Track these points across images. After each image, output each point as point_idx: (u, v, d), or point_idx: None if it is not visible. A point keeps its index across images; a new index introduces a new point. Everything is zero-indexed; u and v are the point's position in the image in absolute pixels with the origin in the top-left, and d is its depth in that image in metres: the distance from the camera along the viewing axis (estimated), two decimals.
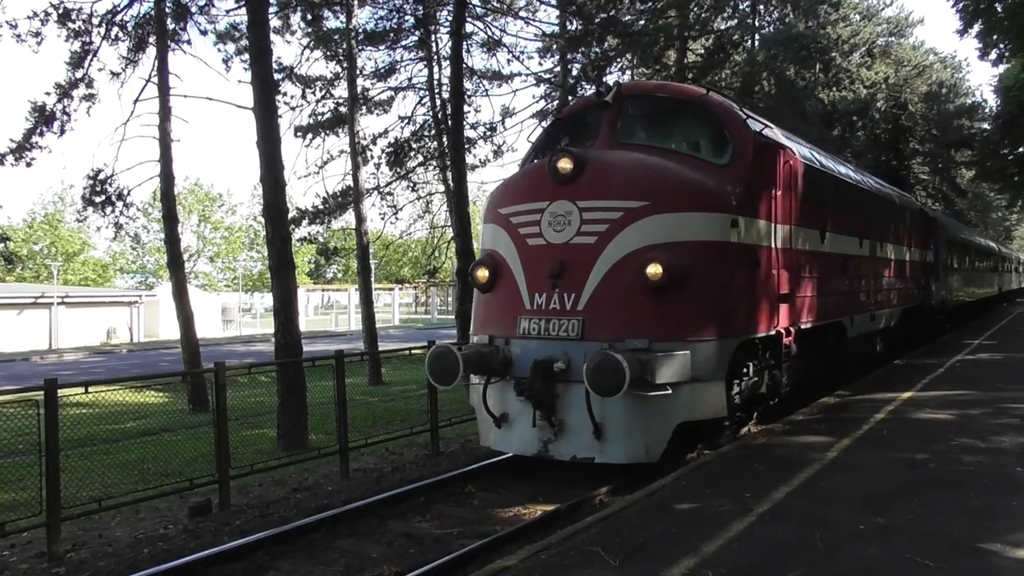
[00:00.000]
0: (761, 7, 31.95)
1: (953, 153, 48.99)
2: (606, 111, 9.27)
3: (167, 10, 18.72)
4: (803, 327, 10.32)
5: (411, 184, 28.52)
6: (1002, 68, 28.43)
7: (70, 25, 18.28)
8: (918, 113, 47.26)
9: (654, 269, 7.71)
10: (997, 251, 41.79)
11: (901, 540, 5.53)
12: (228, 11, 31.41)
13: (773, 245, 9.38)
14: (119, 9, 18.93)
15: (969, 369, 15.37)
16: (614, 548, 5.42)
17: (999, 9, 23.30)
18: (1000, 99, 29.85)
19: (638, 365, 7.23)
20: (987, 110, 42.58)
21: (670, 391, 7.48)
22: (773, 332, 9.30)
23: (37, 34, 17.96)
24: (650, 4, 28.40)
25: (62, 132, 18.68)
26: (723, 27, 30.87)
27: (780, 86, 30.29)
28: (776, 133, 10.34)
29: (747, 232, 8.74)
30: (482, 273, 8.82)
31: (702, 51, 32.25)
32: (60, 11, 18.06)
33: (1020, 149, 30.35)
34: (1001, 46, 25.16)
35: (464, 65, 22.09)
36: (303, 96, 25.22)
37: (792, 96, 29.86)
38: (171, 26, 19.01)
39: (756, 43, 30.80)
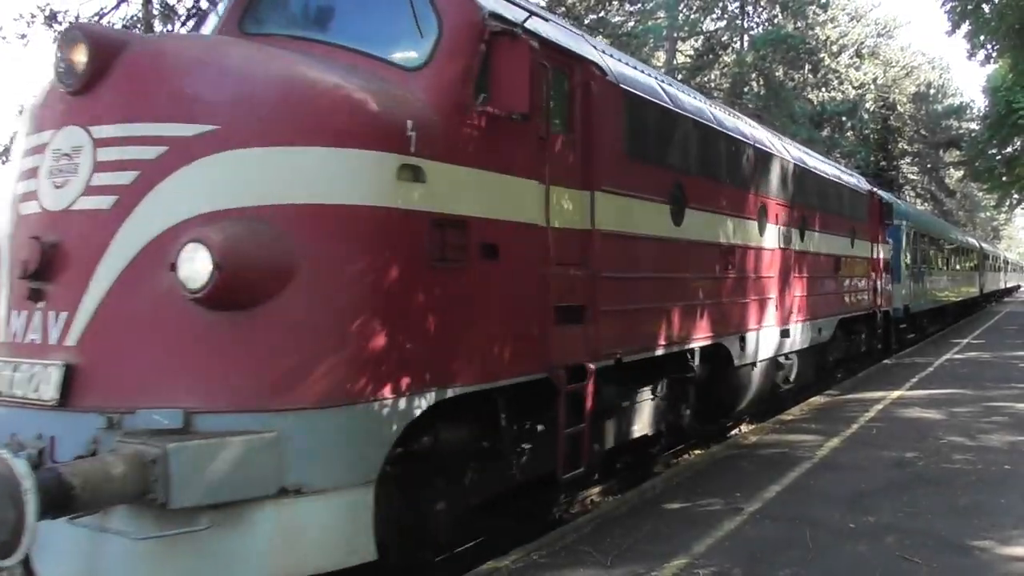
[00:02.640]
0: (750, 8, 32.10)
1: (942, 153, 49.31)
2: None
3: (154, 12, 18.68)
4: (627, 358, 6.55)
5: None
6: (990, 68, 28.61)
7: (56, 27, 18.21)
8: (907, 114, 47.52)
9: (194, 265, 3.90)
10: (978, 248, 39.53)
11: (890, 538, 5.56)
12: None
13: (546, 222, 5.64)
14: (106, 11, 18.88)
15: (958, 368, 15.46)
16: (606, 548, 5.44)
17: (986, 10, 23.43)
18: (988, 99, 30.02)
19: (101, 476, 3.49)
20: (975, 111, 42.83)
21: (208, 526, 3.84)
22: (544, 374, 5.60)
23: (23, 36, 17.90)
24: (640, 5, 28.50)
25: None
26: (712, 28, 30.99)
27: (769, 87, 30.41)
28: (557, 30, 6.30)
29: (457, 193, 4.92)
30: None
31: (691, 52, 32.38)
32: (47, 13, 17.99)
33: (1008, 149, 30.51)
34: (988, 47, 25.30)
35: None
36: None
37: (781, 97, 29.99)
38: (158, 28, 18.96)
39: (745, 44, 30.90)
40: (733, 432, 10.46)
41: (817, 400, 12.00)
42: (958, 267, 31.43)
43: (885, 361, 17.20)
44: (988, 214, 73.64)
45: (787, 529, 5.80)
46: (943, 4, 24.37)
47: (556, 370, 5.62)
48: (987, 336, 23.55)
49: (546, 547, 5.53)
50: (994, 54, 25.60)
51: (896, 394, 12.14)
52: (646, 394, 7.46)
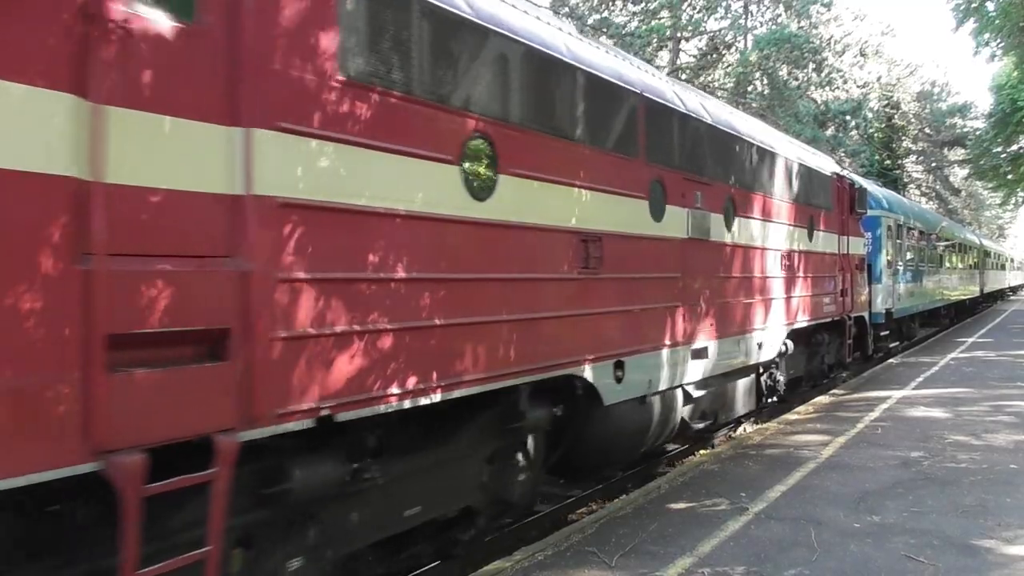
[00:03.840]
0: (753, 8, 32.03)
1: (946, 152, 49.15)
2: None
3: None
4: (342, 415, 4.07)
5: None
6: (995, 66, 28.54)
7: None
8: (911, 112, 47.39)
9: None
10: (979, 244, 36.89)
11: (895, 538, 5.57)
12: None
13: (85, 173, 2.99)
14: None
15: (963, 367, 15.43)
16: (610, 548, 5.45)
17: (990, 8, 23.38)
18: (993, 97, 29.94)
19: None
20: (978, 109, 42.71)
21: None
22: (88, 465, 2.98)
23: None
24: (643, 5, 28.49)
25: None
26: (716, 28, 30.96)
27: (773, 86, 30.35)
28: None
29: None
30: None
31: (695, 52, 32.34)
32: None
33: (1013, 147, 30.43)
34: (993, 45, 25.23)
35: None
36: None
37: (785, 96, 29.92)
38: None
39: (749, 44, 30.85)
40: (737, 432, 10.45)
41: (822, 400, 12.00)
42: (955, 265, 28.47)
43: (890, 360, 17.18)
44: (993, 212, 73.44)
45: (792, 529, 5.81)
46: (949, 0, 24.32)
47: (118, 456, 3.00)
48: (993, 335, 23.49)
49: (551, 547, 5.54)
50: (999, 52, 25.54)
51: (901, 393, 12.13)
52: (425, 460, 4.99)
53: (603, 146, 6.44)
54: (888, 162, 42.07)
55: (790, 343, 10.75)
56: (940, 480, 7.09)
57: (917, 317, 22.10)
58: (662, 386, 7.29)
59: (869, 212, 15.55)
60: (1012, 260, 58.88)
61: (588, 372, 6.11)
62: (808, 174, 11.54)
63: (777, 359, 10.45)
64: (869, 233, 15.96)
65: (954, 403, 11.13)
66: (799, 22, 30.82)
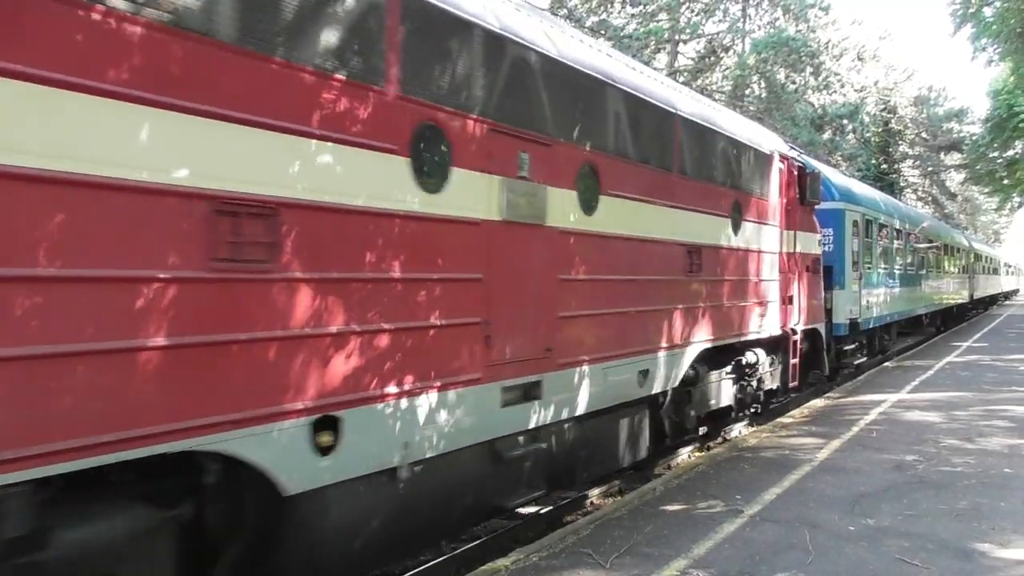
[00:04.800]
0: (751, 11, 32.11)
1: (943, 156, 49.27)
2: None
3: None
4: None
5: None
6: (993, 72, 28.66)
7: None
8: (908, 116, 47.51)
9: None
10: (967, 246, 34.04)
11: (889, 541, 5.58)
12: None
13: None
14: None
15: (958, 371, 15.46)
16: (605, 550, 5.45)
17: (988, 13, 23.46)
18: (990, 102, 30.04)
19: None
20: (974, 114, 42.84)
21: None
22: None
23: None
24: (641, 8, 28.55)
25: None
26: (714, 31, 31.02)
27: (771, 90, 30.45)
28: None
29: None
30: None
31: (693, 55, 32.41)
32: None
33: (1009, 152, 30.53)
34: (990, 49, 25.33)
35: None
36: None
37: (783, 100, 30.01)
38: None
39: (747, 47, 30.92)
40: (733, 434, 10.46)
41: (817, 403, 12.01)
42: (940, 268, 26.08)
43: (886, 364, 17.20)
44: (989, 217, 73.67)
45: (787, 531, 5.81)
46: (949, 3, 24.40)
47: None
48: (988, 339, 23.54)
49: (546, 548, 5.54)
50: (996, 57, 25.63)
51: (896, 397, 12.15)
52: None
53: (332, 66, 4.07)
54: (885, 166, 42.17)
55: (705, 367, 8.45)
56: (935, 484, 7.11)
57: (893, 327, 19.38)
58: (439, 446, 4.77)
59: (830, 204, 13.82)
60: (1005, 264, 58.04)
61: (237, 445, 3.61)
62: (734, 149, 8.85)
63: (682, 388, 8.09)
64: (830, 229, 13.81)
65: (949, 407, 11.15)
66: (797, 26, 30.91)
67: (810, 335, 11.59)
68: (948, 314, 28.57)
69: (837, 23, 34.85)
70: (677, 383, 7.82)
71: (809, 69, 30.15)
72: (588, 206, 6.28)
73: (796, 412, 11.18)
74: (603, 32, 25.48)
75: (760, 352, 9.72)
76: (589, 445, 6.68)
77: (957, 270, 30.19)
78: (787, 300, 10.39)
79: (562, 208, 5.98)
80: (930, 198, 54.02)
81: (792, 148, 11.73)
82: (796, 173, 10.99)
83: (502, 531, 6.58)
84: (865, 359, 16.45)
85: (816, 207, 11.92)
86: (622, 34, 26.58)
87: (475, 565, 5.51)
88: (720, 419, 9.77)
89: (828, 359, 12.94)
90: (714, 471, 7.79)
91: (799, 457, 8.21)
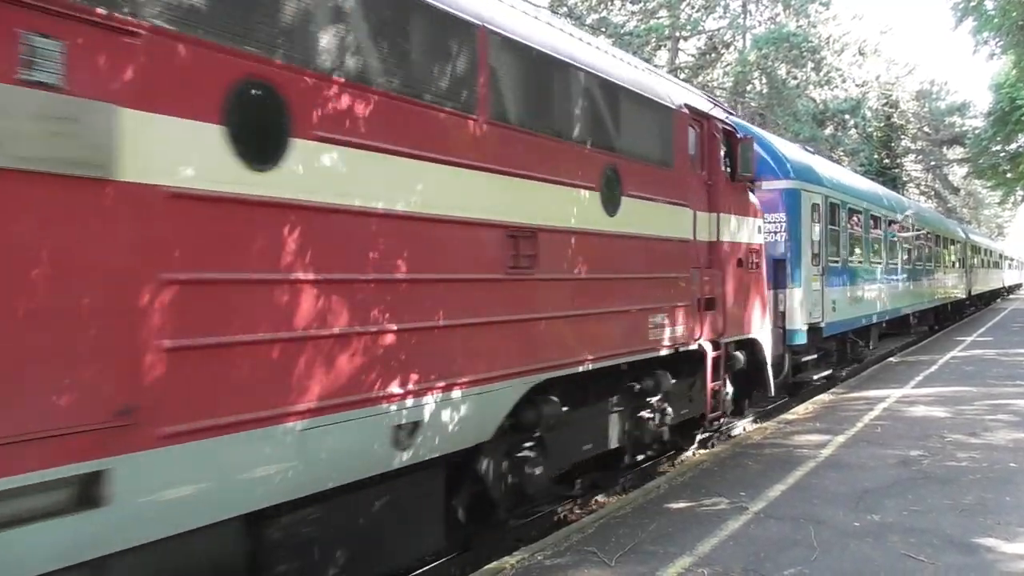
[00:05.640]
0: (752, 7, 32.07)
1: (945, 150, 49.20)
2: None
3: None
4: None
5: None
6: (996, 64, 28.58)
7: None
8: (910, 111, 47.42)
9: None
10: (964, 238, 31.64)
11: (895, 537, 5.57)
12: None
13: None
14: None
15: (962, 366, 15.43)
16: (610, 548, 5.45)
17: (989, 6, 23.39)
18: (992, 96, 29.98)
19: None
20: (976, 108, 42.75)
21: None
22: None
23: None
24: (641, 5, 28.51)
25: None
26: (714, 27, 30.99)
27: (772, 86, 30.39)
28: None
29: None
30: None
31: (694, 51, 32.37)
32: None
33: (1012, 145, 30.46)
34: (992, 43, 25.26)
35: None
36: None
37: (784, 95, 29.96)
38: None
39: (747, 43, 30.88)
40: (737, 431, 10.46)
41: (823, 398, 12.00)
42: (932, 261, 23.42)
43: (890, 359, 17.18)
44: (992, 211, 73.50)
45: (792, 528, 5.81)
46: None
47: None
48: (992, 334, 23.50)
49: (550, 547, 5.54)
50: (997, 50, 25.57)
51: (901, 392, 12.13)
52: None
53: None
54: (887, 161, 42.09)
55: (559, 402, 5.98)
56: (939, 479, 7.10)
57: (873, 330, 16.78)
58: None
59: (781, 183, 11.55)
60: (1007, 257, 56.62)
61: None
62: (606, 94, 6.50)
63: (515, 437, 5.80)
64: (782, 214, 11.48)
65: (954, 402, 11.13)
66: (798, 21, 30.87)
67: (745, 348, 9.18)
68: (943, 312, 26.25)
69: (838, 18, 34.85)
70: (491, 433, 5.29)
71: (810, 64, 30.08)
72: (256, 156, 3.74)
73: (800, 408, 11.17)
74: (603, 30, 25.46)
75: (664, 375, 7.47)
76: (314, 540, 4.21)
77: (952, 264, 27.99)
78: (704, 304, 7.95)
79: (212, 163, 3.57)
80: (933, 192, 53.92)
81: (717, 106, 9.09)
82: (721, 139, 8.60)
83: (506, 530, 6.59)
84: (828, 371, 13.53)
85: (764, 187, 10.42)
86: (622, 31, 26.55)
87: (480, 564, 5.52)
88: (614, 464, 7.69)
89: (784, 373, 11.19)
90: (718, 468, 7.78)
91: (803, 453, 8.20)
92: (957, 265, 29.18)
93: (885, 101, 43.07)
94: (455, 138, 4.99)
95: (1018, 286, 67.24)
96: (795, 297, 11.55)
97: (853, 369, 15.37)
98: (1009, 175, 32.23)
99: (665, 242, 7.32)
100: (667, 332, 7.32)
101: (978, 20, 23.96)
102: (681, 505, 6.52)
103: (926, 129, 48.00)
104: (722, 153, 8.62)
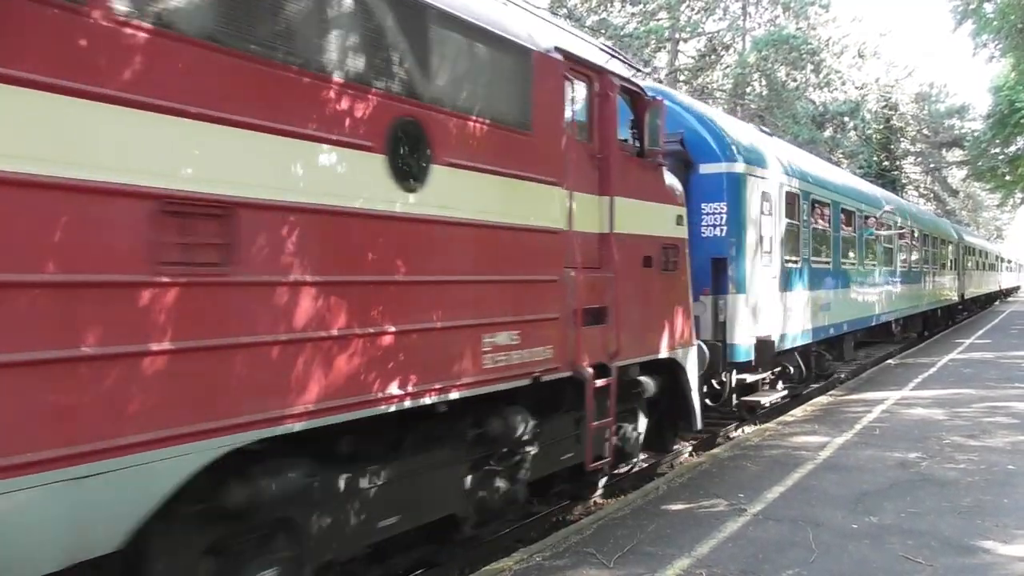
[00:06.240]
0: (751, 9, 32.09)
1: (944, 153, 49.22)
2: None
3: None
4: None
5: None
6: (995, 67, 28.60)
7: None
8: (909, 113, 47.45)
9: None
10: (956, 238, 29.45)
11: (893, 539, 5.58)
12: None
13: None
14: None
15: (961, 368, 15.44)
16: (608, 549, 5.45)
17: (988, 9, 23.43)
18: (991, 98, 30.01)
19: None
20: (975, 110, 42.78)
21: None
22: None
23: None
24: (641, 6, 28.54)
25: None
26: (714, 29, 31.01)
27: (771, 88, 30.41)
28: None
29: None
30: None
31: (694, 53, 32.39)
32: None
33: (1011, 148, 30.47)
34: (991, 46, 25.31)
35: None
36: None
37: (783, 97, 29.98)
38: None
39: (747, 45, 30.90)
40: (735, 433, 10.46)
41: (821, 401, 12.01)
42: (918, 262, 21.49)
43: (889, 361, 17.19)
44: (991, 214, 73.57)
45: (790, 530, 5.82)
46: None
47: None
48: (991, 336, 23.51)
49: (549, 548, 5.55)
50: (997, 53, 25.61)
51: (899, 394, 12.14)
52: None
53: None
54: (887, 163, 42.12)
55: (339, 466, 4.38)
56: (938, 481, 7.11)
57: (846, 339, 15.13)
58: None
59: (721, 166, 9.53)
60: (1004, 259, 55.67)
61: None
62: (408, 14, 4.59)
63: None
64: (722, 203, 9.46)
65: (952, 404, 11.14)
66: (797, 23, 30.88)
67: (656, 370, 7.42)
68: (932, 318, 24.59)
69: (837, 20, 34.76)
70: (118, 543, 3.11)
71: (810, 67, 30.10)
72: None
73: (799, 411, 11.17)
74: (603, 31, 25.47)
75: (519, 414, 5.61)
76: None
77: (943, 265, 26.00)
78: (586, 317, 6.10)
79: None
80: (932, 195, 53.96)
81: (615, 58, 7.17)
82: (621, 102, 6.84)
83: (505, 531, 6.59)
84: (786, 392, 11.54)
85: (703, 171, 9.20)
86: (622, 33, 26.57)
87: (479, 565, 5.52)
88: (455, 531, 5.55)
89: (723, 398, 9.67)
90: (717, 470, 7.79)
91: (802, 455, 8.21)
92: (949, 267, 27.51)
93: (884, 103, 43.09)
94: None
95: (1016, 289, 67.01)
96: (737, 304, 9.49)
97: (852, 371, 15.34)
98: (1008, 177, 32.24)
99: (515, 231, 5.41)
100: (517, 356, 5.39)
101: (977, 23, 24.01)
102: (679, 506, 6.53)
103: (925, 131, 48.02)
104: (623, 121, 6.85)
